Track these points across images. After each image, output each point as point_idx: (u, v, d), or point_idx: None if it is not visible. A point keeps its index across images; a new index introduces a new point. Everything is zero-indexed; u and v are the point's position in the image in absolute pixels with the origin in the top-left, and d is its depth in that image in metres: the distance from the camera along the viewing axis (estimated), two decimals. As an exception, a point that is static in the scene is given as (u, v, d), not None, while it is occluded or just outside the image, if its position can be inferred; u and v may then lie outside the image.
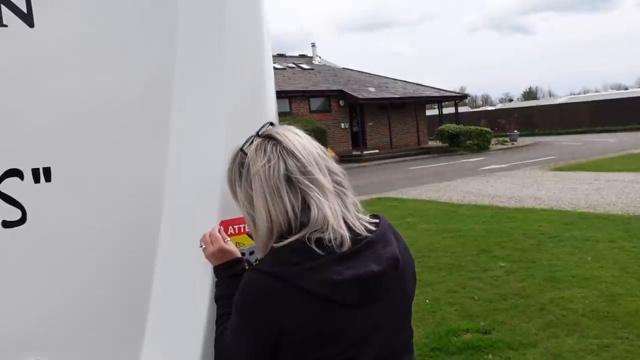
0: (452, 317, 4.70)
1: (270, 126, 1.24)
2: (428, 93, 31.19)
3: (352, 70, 31.96)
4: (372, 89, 28.62)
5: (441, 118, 31.79)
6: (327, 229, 1.12)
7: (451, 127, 27.99)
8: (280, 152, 1.15)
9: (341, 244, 1.11)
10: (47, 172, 1.35)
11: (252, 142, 1.20)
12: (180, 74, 1.50)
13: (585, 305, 4.71)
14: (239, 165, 1.21)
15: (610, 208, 9.32)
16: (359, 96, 26.97)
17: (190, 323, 1.45)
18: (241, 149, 1.20)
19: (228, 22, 1.53)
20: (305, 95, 26.53)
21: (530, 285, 5.40)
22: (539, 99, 68.73)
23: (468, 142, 27.11)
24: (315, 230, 1.12)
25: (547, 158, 20.24)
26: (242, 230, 1.49)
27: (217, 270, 1.37)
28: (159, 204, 1.49)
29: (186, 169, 1.48)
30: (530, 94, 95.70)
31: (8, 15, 1.27)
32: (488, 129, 28.60)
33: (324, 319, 1.10)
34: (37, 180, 1.34)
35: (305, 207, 1.14)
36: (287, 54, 32.58)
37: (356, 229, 1.15)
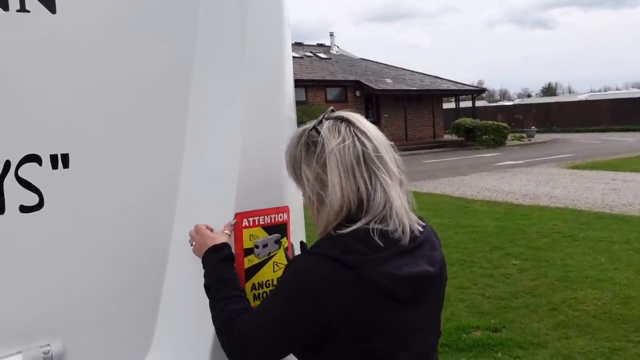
0: (462, 313, 4.69)
1: (335, 112, 1.26)
2: (445, 86, 30.93)
3: (369, 60, 31.77)
4: (389, 80, 28.45)
5: (458, 112, 31.54)
6: (390, 215, 1.15)
7: (467, 121, 27.76)
8: (354, 132, 1.18)
9: (400, 238, 1.15)
10: (65, 158, 1.35)
11: (320, 122, 1.22)
12: (200, 64, 1.50)
13: (598, 307, 4.67)
14: (309, 144, 1.22)
15: (627, 209, 9.21)
16: (376, 87, 26.83)
17: (203, 310, 1.46)
18: (313, 128, 1.22)
19: (249, 10, 1.52)
20: (322, 84, 26.46)
21: (543, 284, 5.36)
22: (558, 96, 67.87)
23: (484, 136, 26.89)
24: (377, 217, 1.14)
25: (564, 155, 20.01)
26: (257, 223, 1.48)
27: (206, 256, 1.35)
28: (174, 193, 1.50)
29: (203, 159, 1.48)
30: (549, 90, 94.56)
31: (31, 1, 1.27)
32: (505, 124, 28.34)
33: (379, 311, 1.12)
34: (55, 166, 1.34)
35: (372, 189, 1.16)
36: (304, 43, 32.45)
37: (411, 225, 1.19)
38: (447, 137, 30.04)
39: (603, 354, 3.80)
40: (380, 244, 1.12)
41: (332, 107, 1.27)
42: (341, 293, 1.10)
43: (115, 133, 1.41)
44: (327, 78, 26.83)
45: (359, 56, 32.45)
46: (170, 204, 1.50)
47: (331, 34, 33.65)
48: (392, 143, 1.24)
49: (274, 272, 1.53)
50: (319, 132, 1.19)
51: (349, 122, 1.20)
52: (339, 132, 1.17)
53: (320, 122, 1.22)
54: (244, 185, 1.47)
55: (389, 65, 31.64)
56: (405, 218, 1.17)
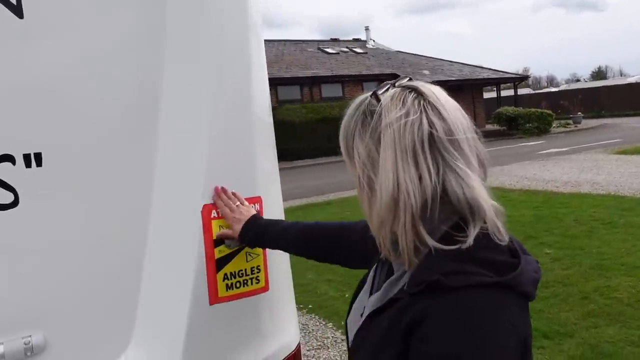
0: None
1: (411, 80, 0.99)
2: (485, 75, 30.28)
3: (406, 53, 31.44)
4: (426, 72, 28.07)
5: (499, 101, 30.83)
6: (476, 215, 0.88)
7: (509, 109, 27.09)
8: (424, 106, 0.90)
9: (503, 236, 0.90)
10: (39, 157, 1.41)
11: (387, 89, 0.96)
12: (170, 61, 1.53)
13: (632, 295, 4.49)
14: (366, 114, 0.96)
15: (673, 194, 8.79)
16: (413, 80, 26.47)
17: (179, 304, 1.50)
18: (374, 94, 0.96)
19: (211, 13, 1.54)
20: (358, 79, 26.34)
21: (575, 273, 5.20)
22: (608, 79, 65.29)
23: (527, 125, 26.17)
24: (476, 216, 0.88)
25: (611, 141, 19.25)
26: (226, 214, 1.51)
27: (242, 236, 1.45)
28: (149, 188, 1.54)
29: (171, 153, 1.52)
30: (599, 74, 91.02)
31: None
32: (549, 112, 27.49)
33: (528, 319, 0.93)
34: (28, 165, 1.41)
35: (440, 180, 0.89)
36: (340, 39, 32.39)
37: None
38: (488, 127, 29.42)
39: (633, 343, 3.66)
40: (504, 247, 0.90)
41: (409, 76, 1.01)
42: (519, 317, 0.87)
43: (88, 132, 1.46)
44: (364, 72, 26.70)
45: (396, 49, 32.15)
46: (145, 199, 1.54)
47: (366, 28, 33.47)
48: (477, 130, 0.97)
49: (246, 261, 1.56)
50: (379, 100, 0.94)
51: (419, 94, 0.92)
52: (404, 104, 0.91)
53: (386, 89, 0.96)
54: (212, 177, 1.50)
55: (427, 57, 31.22)
56: (498, 219, 0.91)
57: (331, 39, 31.18)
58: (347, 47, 30.13)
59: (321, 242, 1.42)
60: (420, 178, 0.87)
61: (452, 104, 0.95)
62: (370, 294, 1.05)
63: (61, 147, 1.43)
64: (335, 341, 4.30)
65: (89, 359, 1.48)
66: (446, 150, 0.89)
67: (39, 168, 1.41)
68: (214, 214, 1.49)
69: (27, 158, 1.40)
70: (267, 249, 1.58)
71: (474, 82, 29.42)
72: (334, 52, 28.03)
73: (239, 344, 1.56)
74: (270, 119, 1.72)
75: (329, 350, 4.17)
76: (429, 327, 0.82)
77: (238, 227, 1.47)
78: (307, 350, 4.16)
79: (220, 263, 1.50)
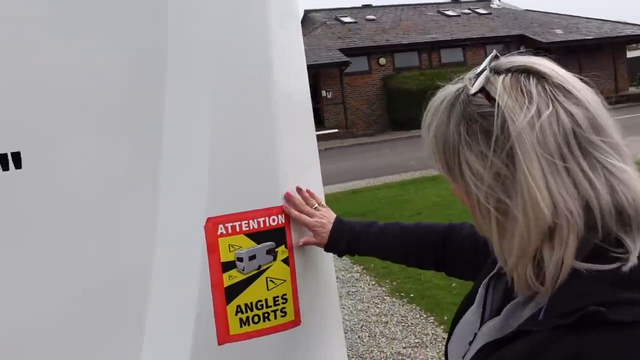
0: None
1: (505, 57, 0.75)
2: (629, 31, 26.94)
3: (535, 11, 28.87)
4: (559, 31, 25.60)
5: (646, 60, 27.40)
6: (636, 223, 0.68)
7: (658, 69, 23.97)
8: (552, 94, 0.69)
9: None
10: (17, 157, 1.17)
11: (487, 79, 0.71)
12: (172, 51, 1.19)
13: None
14: (471, 118, 0.71)
15: None
16: (543, 40, 24.29)
17: (181, 342, 1.19)
18: (481, 88, 0.71)
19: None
20: (481, 42, 24.70)
21: None
22: None
23: (680, 86, 23.02)
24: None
25: None
26: (238, 230, 1.17)
27: (331, 245, 1.25)
28: (151, 190, 1.23)
29: (170, 155, 1.19)
30: None
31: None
32: None
33: None
34: (5, 167, 1.16)
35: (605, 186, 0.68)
36: (462, 0, 30.58)
37: None
38: (632, 90, 26.35)
39: None
40: None
41: (495, 52, 0.77)
42: None
43: (78, 133, 1.18)
44: (487, 35, 24.95)
45: (524, 7, 29.68)
46: (146, 210, 1.23)
47: (492, -13, 31.21)
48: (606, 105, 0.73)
49: (267, 290, 1.21)
50: (490, 98, 0.70)
51: (540, 76, 0.70)
52: (529, 97, 0.68)
53: (487, 79, 0.71)
54: (220, 183, 1.16)
55: (560, 14, 28.44)
56: None
57: (452, 0, 29.50)
58: (469, 9, 28.33)
59: (424, 249, 1.22)
60: (578, 190, 0.67)
61: (576, 80, 0.72)
62: (482, 317, 0.83)
63: (46, 147, 1.17)
64: (435, 339, 3.88)
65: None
66: (593, 145, 0.68)
67: (18, 170, 1.17)
68: (221, 229, 1.15)
69: (3, 159, 1.16)
70: (296, 269, 1.22)
71: (615, 40, 26.34)
72: (454, 14, 26.50)
73: (258, 393, 1.22)
74: (307, 104, 1.33)
75: (428, 349, 3.76)
76: None
77: (324, 235, 1.24)
78: (403, 348, 3.80)
79: (231, 292, 1.17)
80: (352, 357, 3.38)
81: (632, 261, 0.65)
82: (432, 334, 3.97)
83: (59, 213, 1.16)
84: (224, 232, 1.15)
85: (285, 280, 1.22)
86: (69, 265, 1.16)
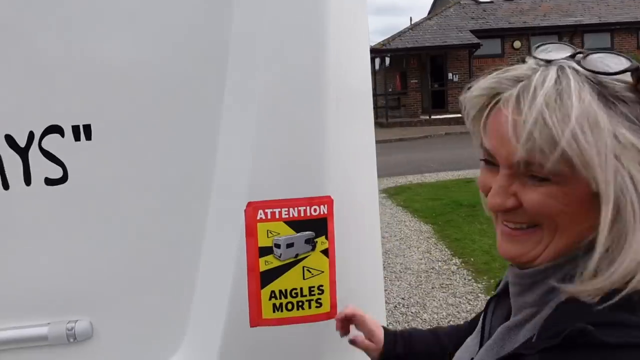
0: None
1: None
2: None
3: None
4: None
5: None
6: None
7: None
8: None
9: None
10: (88, 129, 1.26)
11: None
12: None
13: None
14: (612, 97, 0.61)
15: None
16: None
17: (216, 320, 1.23)
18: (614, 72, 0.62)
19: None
20: (634, 27, 22.37)
21: None
22: None
23: None
24: None
25: None
26: (278, 216, 1.17)
27: (389, 349, 1.06)
28: (209, 169, 1.28)
29: (216, 138, 1.22)
30: None
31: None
32: None
33: None
34: (77, 138, 1.27)
35: None
36: (616, -21, 27.75)
37: None
38: None
39: None
40: None
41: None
42: None
43: (142, 107, 1.25)
44: (642, 19, 22.54)
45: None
46: (204, 182, 1.28)
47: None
48: None
49: (304, 279, 1.20)
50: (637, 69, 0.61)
51: None
52: None
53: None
54: (263, 169, 1.17)
55: None
56: None
57: (605, -20, 26.91)
58: (623, -11, 25.70)
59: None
60: None
61: None
62: (481, 341, 0.80)
63: (112, 120, 1.25)
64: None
65: (135, 356, 1.33)
66: None
67: (88, 142, 1.27)
68: (260, 214, 1.16)
69: (76, 130, 1.26)
70: (337, 262, 1.20)
71: None
72: (605, -5, 24.21)
73: (287, 380, 1.23)
74: (366, 94, 1.29)
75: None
76: None
77: (380, 334, 1.08)
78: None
79: (267, 277, 1.18)
80: (432, 351, 3.30)
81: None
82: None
83: (124, 184, 1.25)
84: (263, 218, 1.16)
85: (322, 272, 1.20)
86: (132, 223, 1.25)
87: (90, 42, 1.21)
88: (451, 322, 3.65)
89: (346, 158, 1.23)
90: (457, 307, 3.90)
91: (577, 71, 0.62)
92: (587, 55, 0.64)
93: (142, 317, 1.32)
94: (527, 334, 0.67)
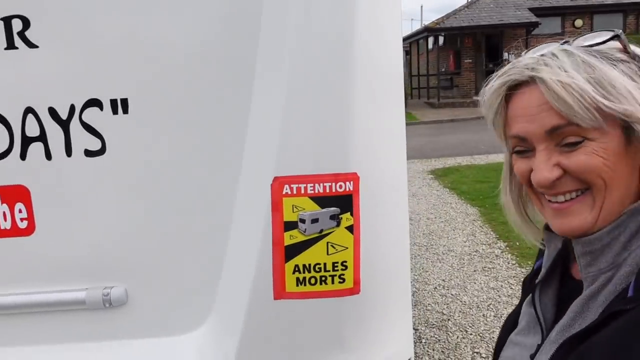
0: None
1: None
2: None
3: None
4: None
5: None
6: None
7: None
8: None
9: None
10: (125, 103, 1.31)
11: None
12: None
13: None
14: None
15: None
16: None
17: (241, 292, 1.26)
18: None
19: None
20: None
21: None
22: None
23: None
24: None
25: None
26: (303, 192, 1.18)
27: None
28: (240, 145, 1.30)
29: (254, 116, 1.24)
30: None
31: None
32: None
33: None
34: (115, 111, 1.31)
35: None
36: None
37: None
38: None
39: None
40: None
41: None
42: None
43: (178, 83, 1.29)
44: None
45: None
46: (234, 156, 1.31)
47: None
48: None
49: (327, 254, 1.22)
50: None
51: None
52: None
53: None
54: (290, 144, 1.18)
55: None
56: None
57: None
58: (699, -36, 24.01)
59: None
60: None
61: None
62: (542, 329, 0.77)
63: (148, 94, 1.29)
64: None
65: (167, 324, 1.39)
66: None
67: (125, 115, 1.31)
68: (286, 189, 1.18)
69: (114, 104, 1.31)
70: (362, 238, 1.21)
71: None
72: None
73: (310, 352, 1.26)
74: (397, 74, 1.27)
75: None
76: None
77: None
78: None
79: (291, 251, 1.20)
80: (470, 334, 3.27)
81: None
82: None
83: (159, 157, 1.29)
84: (289, 193, 1.18)
85: (347, 248, 1.21)
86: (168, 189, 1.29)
87: (129, 18, 1.25)
88: (491, 306, 3.61)
89: (374, 135, 1.23)
90: (498, 291, 3.84)
91: (574, 50, 0.70)
92: (574, 39, 0.73)
93: (173, 287, 1.37)
94: (606, 299, 0.68)
